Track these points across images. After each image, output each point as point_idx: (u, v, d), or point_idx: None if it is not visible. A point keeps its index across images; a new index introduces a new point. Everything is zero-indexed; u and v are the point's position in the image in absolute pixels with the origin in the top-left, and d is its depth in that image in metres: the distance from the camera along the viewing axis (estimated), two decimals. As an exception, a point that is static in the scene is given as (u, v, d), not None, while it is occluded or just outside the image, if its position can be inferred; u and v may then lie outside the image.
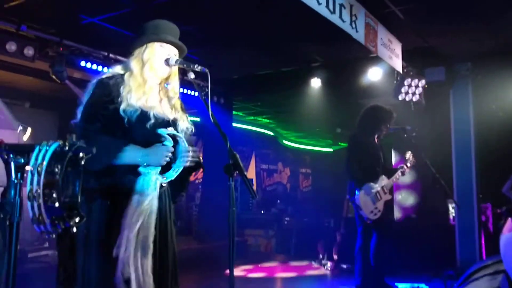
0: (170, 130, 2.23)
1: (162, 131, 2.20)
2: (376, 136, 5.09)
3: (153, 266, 2.13)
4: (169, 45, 2.37)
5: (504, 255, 2.41)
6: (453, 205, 6.20)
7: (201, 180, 9.27)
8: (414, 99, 6.45)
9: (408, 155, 5.07)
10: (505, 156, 6.24)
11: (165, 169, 2.22)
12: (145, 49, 2.32)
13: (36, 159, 1.34)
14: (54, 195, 1.28)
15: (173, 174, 2.26)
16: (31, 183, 1.31)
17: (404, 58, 5.53)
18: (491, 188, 6.26)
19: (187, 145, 2.28)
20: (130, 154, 2.12)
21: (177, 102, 2.42)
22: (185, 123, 2.39)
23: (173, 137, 2.25)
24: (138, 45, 2.35)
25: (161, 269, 2.20)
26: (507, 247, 2.41)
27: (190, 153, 2.27)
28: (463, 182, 6.42)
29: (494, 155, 6.39)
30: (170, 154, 2.19)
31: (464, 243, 6.31)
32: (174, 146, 2.24)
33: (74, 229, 1.35)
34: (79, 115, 2.19)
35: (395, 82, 6.40)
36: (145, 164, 2.14)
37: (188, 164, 2.27)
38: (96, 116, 2.16)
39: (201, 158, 2.37)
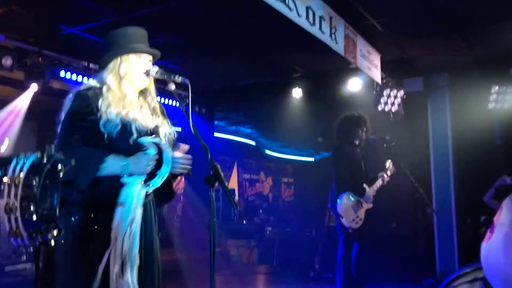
0: (152, 138, 2.21)
1: (143, 139, 2.18)
2: (357, 145, 5.16)
3: (138, 278, 2.10)
4: (144, 54, 2.33)
5: (483, 263, 2.46)
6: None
7: (182, 191, 9.21)
8: (393, 109, 6.55)
9: (388, 163, 5.14)
10: (483, 165, 6.36)
11: (150, 177, 2.20)
12: (121, 63, 2.27)
13: (14, 171, 1.32)
14: (32, 208, 1.27)
15: (158, 181, 2.22)
16: (8, 196, 1.30)
17: (383, 69, 5.63)
18: (469, 197, 6.36)
19: (170, 151, 2.26)
20: (113, 164, 2.09)
21: (157, 106, 2.39)
22: (167, 128, 2.36)
23: (157, 145, 2.23)
24: (111, 58, 2.28)
25: (146, 280, 2.17)
26: (487, 255, 2.45)
27: (184, 161, 2.25)
28: (442, 191, 6.52)
29: (472, 164, 6.50)
30: (153, 162, 2.16)
31: (443, 252, 6.40)
32: (158, 153, 2.23)
33: (52, 242, 1.33)
34: (58, 127, 2.16)
35: (374, 92, 6.48)
36: (128, 173, 2.11)
37: (180, 171, 2.26)
38: (75, 128, 2.12)
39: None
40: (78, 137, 2.11)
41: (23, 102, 5.99)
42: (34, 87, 5.69)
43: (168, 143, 2.30)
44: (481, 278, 2.79)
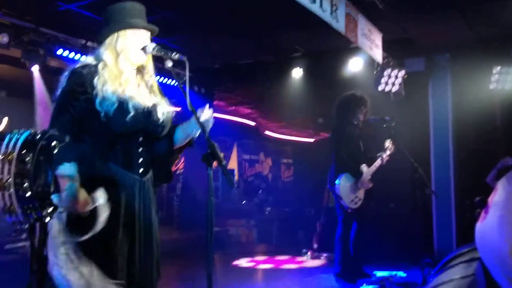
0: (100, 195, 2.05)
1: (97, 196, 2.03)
2: (356, 125, 5.14)
3: (138, 255, 2.12)
4: (141, 30, 2.28)
5: (478, 243, 2.46)
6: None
7: (182, 170, 9.23)
8: (393, 90, 6.51)
9: (388, 143, 5.12)
10: (483, 146, 6.35)
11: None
12: (118, 38, 2.22)
13: (7, 147, 1.31)
14: (26, 184, 1.25)
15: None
16: (2, 172, 1.28)
17: (384, 49, 5.56)
18: (468, 178, 6.36)
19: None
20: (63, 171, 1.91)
21: (155, 85, 2.35)
22: (165, 106, 2.31)
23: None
24: (108, 34, 2.24)
25: (146, 258, 2.18)
26: (481, 236, 2.46)
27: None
28: (441, 171, 6.53)
29: (472, 145, 6.49)
30: (68, 201, 1.89)
31: (441, 232, 6.44)
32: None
33: (47, 219, 1.32)
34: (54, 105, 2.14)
35: (375, 72, 6.43)
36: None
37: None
38: (67, 107, 2.08)
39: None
40: (69, 116, 2.07)
41: (39, 88, 6.01)
42: (36, 69, 5.64)
43: (166, 122, 2.28)
44: (478, 258, 2.80)
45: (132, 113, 2.14)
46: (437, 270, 3.24)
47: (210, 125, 2.25)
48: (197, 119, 2.15)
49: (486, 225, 2.36)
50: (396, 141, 5.11)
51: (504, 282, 2.17)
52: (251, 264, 6.58)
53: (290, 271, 6.28)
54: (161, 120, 2.25)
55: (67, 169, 1.86)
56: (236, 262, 6.61)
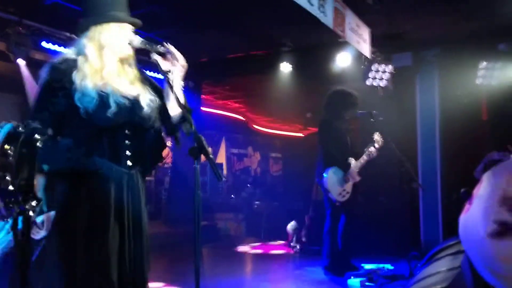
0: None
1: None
2: (345, 119, 5.16)
3: (128, 249, 2.11)
4: (125, 23, 2.24)
5: (461, 235, 2.48)
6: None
7: (170, 164, 9.18)
8: (381, 84, 6.53)
9: (376, 136, 5.13)
10: (469, 141, 6.40)
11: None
12: (102, 31, 2.18)
13: (-12, 140, 1.28)
14: (8, 178, 1.23)
15: None
16: (-17, 166, 1.26)
17: (372, 44, 5.57)
18: (455, 172, 6.42)
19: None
20: None
21: (136, 74, 2.30)
22: (148, 95, 2.26)
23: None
24: (90, 26, 2.19)
25: (136, 252, 2.16)
26: (464, 227, 2.48)
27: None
28: (428, 165, 6.57)
29: (459, 140, 6.54)
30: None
31: (428, 225, 6.50)
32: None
33: (31, 213, 1.31)
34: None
35: (362, 67, 6.45)
36: None
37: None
38: (45, 103, 2.06)
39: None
40: (47, 114, 2.04)
41: (28, 80, 5.89)
42: (22, 62, 5.55)
43: (151, 111, 2.24)
44: (464, 251, 2.83)
45: (113, 107, 2.10)
46: (424, 262, 3.26)
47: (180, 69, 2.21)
48: (185, 114, 2.12)
49: (469, 216, 2.38)
50: (383, 135, 5.14)
51: (486, 273, 2.19)
52: (240, 255, 6.59)
53: (279, 264, 6.30)
54: (145, 110, 2.21)
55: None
56: (223, 255, 6.61)
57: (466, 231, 2.40)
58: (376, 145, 5.10)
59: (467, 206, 2.42)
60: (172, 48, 2.17)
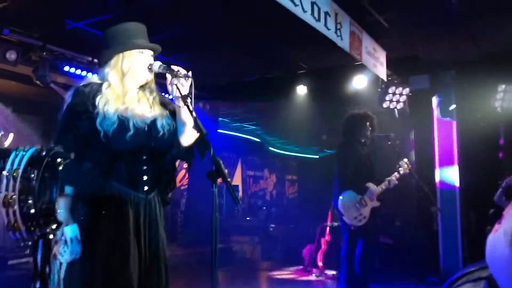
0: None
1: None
2: (362, 143, 5.13)
3: (145, 273, 2.12)
4: (146, 50, 2.30)
5: (488, 255, 2.43)
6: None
7: (186, 186, 9.21)
8: (398, 107, 6.51)
9: (403, 162, 5.04)
10: (488, 164, 6.32)
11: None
12: (123, 59, 2.24)
13: (12, 164, 1.31)
14: (30, 201, 1.25)
15: None
16: (7, 189, 1.29)
17: (388, 66, 5.58)
18: (474, 196, 6.32)
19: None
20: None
21: (156, 98, 2.34)
22: (165, 119, 2.28)
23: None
24: (112, 55, 2.26)
25: (152, 276, 2.18)
26: (493, 247, 2.43)
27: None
28: (446, 189, 6.48)
29: (477, 163, 6.46)
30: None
31: (447, 250, 6.36)
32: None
33: (51, 236, 1.32)
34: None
35: (379, 90, 6.44)
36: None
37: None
38: (70, 126, 2.12)
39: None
40: (71, 136, 2.09)
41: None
42: (55, 85, 5.62)
43: (168, 135, 2.25)
44: (485, 277, 2.77)
45: (132, 131, 2.14)
46: (444, 289, 3.20)
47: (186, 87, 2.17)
48: (202, 136, 2.13)
49: (498, 236, 2.33)
50: (400, 160, 5.07)
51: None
52: (256, 279, 6.52)
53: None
54: (161, 134, 2.23)
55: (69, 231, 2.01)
56: (239, 278, 6.55)
57: (494, 252, 2.35)
58: (402, 172, 5.02)
59: (496, 226, 2.38)
60: (183, 70, 2.20)
